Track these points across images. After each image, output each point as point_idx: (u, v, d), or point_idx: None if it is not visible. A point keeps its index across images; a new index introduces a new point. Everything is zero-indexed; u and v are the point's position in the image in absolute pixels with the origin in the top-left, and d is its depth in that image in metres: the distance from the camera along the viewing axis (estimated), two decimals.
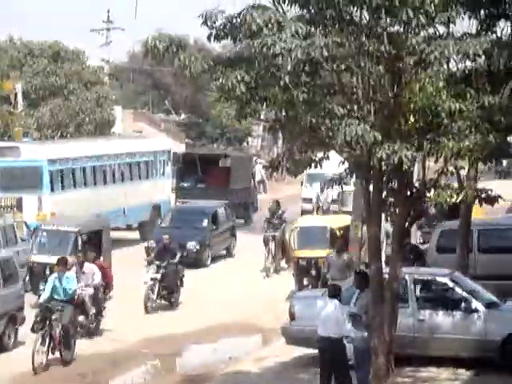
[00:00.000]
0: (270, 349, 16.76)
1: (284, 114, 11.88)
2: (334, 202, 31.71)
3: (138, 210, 28.80)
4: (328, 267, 18.35)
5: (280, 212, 24.56)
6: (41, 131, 38.03)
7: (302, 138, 12.26)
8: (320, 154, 12.59)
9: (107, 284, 18.41)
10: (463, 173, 16.64)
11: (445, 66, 11.25)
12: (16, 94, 37.10)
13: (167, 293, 19.99)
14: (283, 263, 24.19)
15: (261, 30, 10.73)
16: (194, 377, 15.31)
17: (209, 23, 11.24)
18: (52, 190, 25.51)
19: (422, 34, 11.18)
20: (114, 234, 27.00)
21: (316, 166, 12.68)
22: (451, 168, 12.41)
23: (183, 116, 59.79)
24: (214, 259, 25.93)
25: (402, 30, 11.20)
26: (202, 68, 11.38)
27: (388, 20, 11.08)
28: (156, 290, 19.68)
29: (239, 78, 11.03)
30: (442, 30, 11.56)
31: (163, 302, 20.05)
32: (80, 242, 20.18)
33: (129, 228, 29.89)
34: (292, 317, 15.10)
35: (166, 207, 30.20)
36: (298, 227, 22.00)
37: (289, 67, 10.75)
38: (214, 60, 11.63)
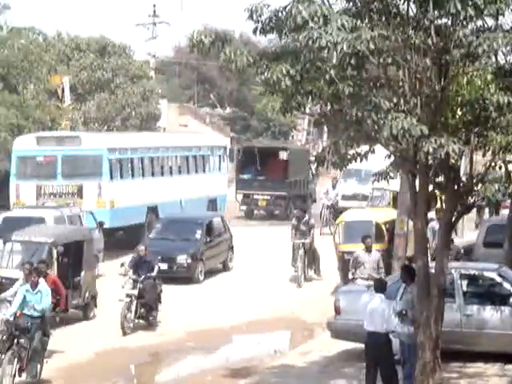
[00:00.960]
0: (316, 343, 16.74)
1: (329, 107, 11.84)
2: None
3: (195, 203, 29.26)
4: (356, 265, 17.82)
5: (306, 218, 22.74)
6: (87, 125, 38.33)
7: (347, 131, 12.21)
8: (365, 148, 12.53)
9: (58, 301, 15.48)
10: None
11: (493, 59, 11.12)
12: (63, 89, 37.48)
13: (145, 310, 17.55)
14: (312, 273, 22.51)
15: (306, 24, 10.68)
16: (239, 370, 15.34)
17: (254, 17, 11.22)
18: (111, 177, 26.07)
19: (469, 26, 11.06)
20: None
21: (361, 160, 12.62)
22: (499, 162, 12.25)
23: (228, 110, 59.88)
24: (209, 274, 22.76)
25: (449, 22, 11.09)
26: (248, 62, 11.37)
27: (435, 12, 10.98)
28: (133, 307, 17.27)
29: (284, 71, 11.00)
30: (490, 22, 11.44)
31: (141, 321, 17.65)
32: (55, 255, 17.48)
33: None
34: (337, 311, 15.06)
35: (222, 201, 31.32)
36: (343, 221, 21.92)
37: (334, 60, 10.71)
38: (259, 54, 11.62)
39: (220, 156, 32.43)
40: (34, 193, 25.69)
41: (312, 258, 22.24)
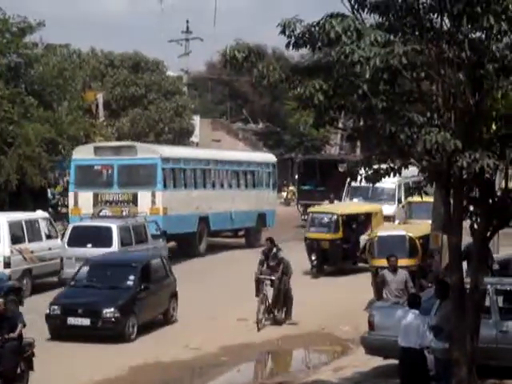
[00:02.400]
0: (349, 358, 16.65)
1: (362, 122, 11.81)
2: None
3: (245, 216, 30.63)
4: (383, 283, 17.08)
5: (275, 251, 19.31)
6: (121, 141, 38.60)
7: (380, 146, 12.16)
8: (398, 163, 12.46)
9: None
10: None
11: None
12: (97, 105, 37.82)
13: (3, 382, 13.75)
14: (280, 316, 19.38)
15: (339, 38, 10.68)
16: None
17: (287, 32, 11.25)
18: (165, 186, 27.21)
19: (504, 40, 10.99)
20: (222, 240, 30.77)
21: (395, 175, 12.56)
22: None
23: (261, 125, 59.99)
24: (145, 329, 18.40)
25: (483, 36, 11.04)
26: (280, 77, 11.39)
27: (469, 26, 10.93)
28: None
29: (317, 86, 11.00)
30: None
31: None
32: None
33: (235, 235, 32.29)
34: (371, 326, 14.98)
35: (271, 216, 32.96)
36: (376, 236, 21.82)
37: (367, 75, 10.67)
38: (291, 69, 11.64)
39: (270, 172, 33.78)
40: (91, 201, 27.09)
41: (282, 298, 19.07)
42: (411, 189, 12.99)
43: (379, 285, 17.61)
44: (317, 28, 10.99)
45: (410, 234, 21.40)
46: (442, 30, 11.09)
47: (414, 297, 13.08)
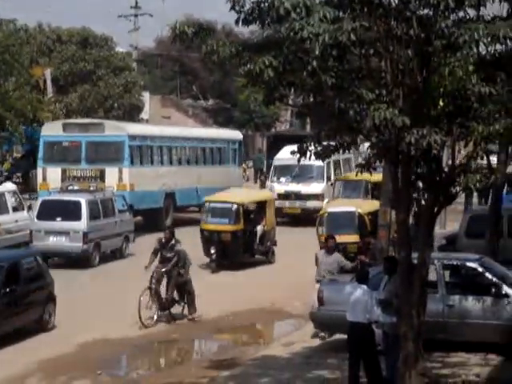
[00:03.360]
0: (299, 334, 16.78)
1: (312, 98, 11.84)
2: (279, 197, 29.36)
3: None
4: (316, 264, 17.02)
5: (173, 242, 17.88)
6: (69, 117, 38.23)
7: (330, 122, 12.21)
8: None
9: None
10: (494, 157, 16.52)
11: (474, 50, 11.11)
12: (45, 81, 37.35)
13: None
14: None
15: (289, 15, 10.67)
16: (221, 361, 15.36)
17: (237, 8, 11.21)
18: (132, 163, 28.03)
19: (451, 17, 11.08)
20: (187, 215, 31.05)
21: (344, 151, 12.64)
22: (481, 152, 12.30)
23: (211, 102, 59.80)
24: (14, 338, 15.88)
25: (431, 13, 11.11)
26: (230, 53, 11.36)
27: (417, 3, 10.99)
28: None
29: (267, 63, 10.99)
30: (472, 13, 11.45)
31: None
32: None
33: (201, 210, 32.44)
34: (321, 302, 15.11)
35: None
36: (326, 212, 21.96)
37: (317, 52, 10.68)
38: (241, 45, 11.60)
39: (235, 149, 34.63)
40: (59, 176, 27.68)
41: (182, 292, 17.78)
42: (360, 165, 13.02)
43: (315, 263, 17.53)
44: (266, 4, 10.97)
45: (360, 210, 21.58)
46: (390, 7, 11.13)
47: (363, 272, 13.21)
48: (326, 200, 29.55)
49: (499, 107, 11.16)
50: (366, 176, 26.61)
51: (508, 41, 10.93)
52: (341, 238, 20.16)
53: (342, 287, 14.55)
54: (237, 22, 11.34)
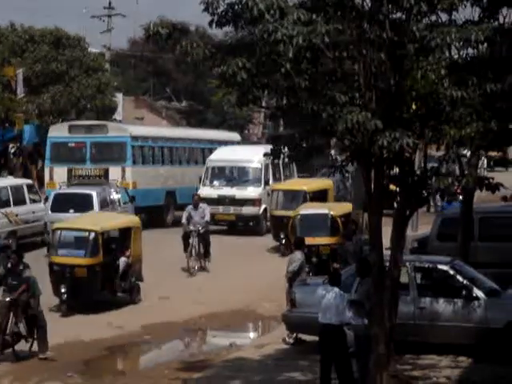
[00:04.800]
0: (271, 335, 16.78)
1: (285, 101, 11.86)
2: (211, 202, 26.52)
3: None
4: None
5: (21, 267, 15.33)
6: (42, 118, 37.98)
7: (303, 125, 12.24)
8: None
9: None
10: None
11: (447, 54, 11.22)
12: (17, 81, 37.06)
13: None
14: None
15: (262, 17, 10.70)
16: (194, 363, 15.33)
17: (210, 9, 11.21)
18: (134, 162, 29.42)
19: (423, 21, 11.15)
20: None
21: (317, 154, 12.68)
22: (453, 155, 12.38)
23: (184, 103, 59.68)
24: None
25: (403, 16, 11.18)
26: (204, 54, 11.36)
27: (390, 7, 11.05)
28: None
29: (240, 64, 11.00)
30: (444, 17, 11.54)
31: None
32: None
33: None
34: (293, 304, 15.12)
35: None
36: (298, 214, 22.00)
37: (290, 54, 10.72)
38: (215, 47, 11.60)
39: None
40: (65, 175, 28.95)
41: (31, 326, 15.20)
42: (330, 169, 13.07)
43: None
44: (240, 6, 10.98)
45: (332, 213, 21.64)
46: (363, 10, 11.18)
47: (335, 274, 13.24)
48: (263, 206, 28.31)
49: (471, 111, 11.25)
50: (304, 185, 26.50)
51: (479, 45, 11.03)
52: (314, 240, 20.23)
53: (314, 289, 14.58)
54: (210, 24, 11.36)
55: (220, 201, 28.73)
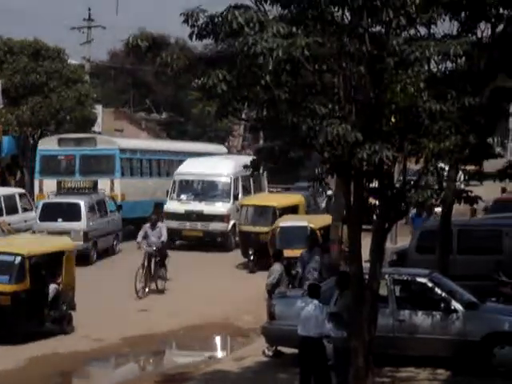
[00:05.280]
0: (250, 348, 16.75)
1: (265, 113, 11.88)
2: (173, 217, 26.86)
3: None
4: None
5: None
6: (21, 129, 37.80)
7: (283, 137, 12.26)
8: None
9: None
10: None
11: (426, 67, 11.28)
12: None
13: None
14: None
15: (242, 29, 10.72)
16: (173, 376, 15.27)
17: (190, 22, 11.22)
18: (122, 174, 29.95)
19: (403, 34, 11.21)
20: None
21: (298, 166, 12.69)
22: (431, 168, 12.43)
23: (164, 115, 59.64)
24: None
25: (383, 30, 11.23)
26: (184, 66, 11.36)
27: (369, 20, 11.11)
28: None
29: (220, 76, 11.02)
30: (423, 31, 11.61)
31: None
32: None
33: None
34: (272, 316, 15.10)
35: None
36: (278, 227, 22.01)
37: (270, 67, 10.74)
38: (195, 59, 11.61)
39: None
40: (54, 187, 29.20)
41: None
42: (312, 179, 13.06)
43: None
44: (220, 19, 11.00)
45: (312, 225, 21.66)
46: (343, 24, 11.23)
47: (314, 287, 13.24)
48: (231, 222, 27.35)
49: (449, 124, 11.31)
50: (273, 201, 26.02)
51: (458, 58, 11.10)
52: (293, 253, 20.22)
53: (294, 302, 14.58)
54: (190, 36, 11.36)
55: (187, 216, 27.65)
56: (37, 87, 39.08)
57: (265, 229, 23.72)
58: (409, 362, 14.32)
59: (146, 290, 20.85)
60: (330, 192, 31.34)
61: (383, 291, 13.95)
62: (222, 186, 28.62)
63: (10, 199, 26.32)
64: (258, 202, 26.10)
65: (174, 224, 27.11)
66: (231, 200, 28.11)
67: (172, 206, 28.08)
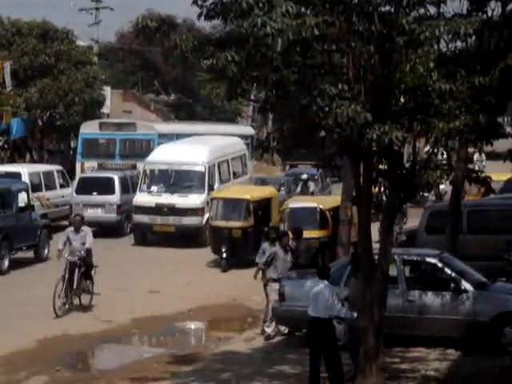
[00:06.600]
0: (260, 329, 16.77)
1: (275, 94, 11.84)
2: (144, 211, 24.86)
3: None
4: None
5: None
6: (30, 111, 37.81)
7: (292, 118, 12.23)
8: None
9: None
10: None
11: (435, 47, 11.22)
12: (4, 74, 36.86)
13: None
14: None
15: (251, 10, 10.66)
16: (183, 356, 15.32)
17: (199, 2, 11.18)
18: None
19: (412, 14, 11.15)
20: None
21: (307, 148, 12.66)
22: (441, 148, 12.39)
23: (173, 96, 59.57)
24: None
25: (392, 9, 11.17)
26: (193, 47, 11.33)
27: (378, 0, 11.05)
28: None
29: (229, 58, 10.97)
30: (432, 10, 11.54)
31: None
32: None
33: None
34: (282, 297, 15.13)
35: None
36: (288, 208, 22.00)
37: (279, 47, 10.70)
38: (204, 39, 11.58)
39: (248, 144, 34.19)
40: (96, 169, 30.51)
41: None
42: (321, 163, 12.98)
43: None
44: None
45: (321, 206, 21.66)
46: (352, 3, 11.17)
47: (324, 268, 13.25)
48: (206, 215, 24.41)
49: (459, 104, 11.26)
50: (246, 194, 24.31)
51: (468, 38, 11.04)
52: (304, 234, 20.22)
53: (304, 283, 14.60)
54: (199, 16, 11.32)
55: (158, 210, 25.24)
56: (45, 69, 39.06)
57: (238, 224, 22.38)
58: (419, 342, 14.34)
59: (66, 306, 17.55)
60: (304, 176, 31.08)
61: (393, 272, 13.96)
62: (195, 175, 26.14)
63: (48, 176, 27.77)
64: (230, 195, 23.56)
65: (144, 218, 25.26)
66: (206, 191, 25.65)
67: (141, 198, 25.59)
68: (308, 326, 12.85)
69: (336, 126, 11.18)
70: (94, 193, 27.03)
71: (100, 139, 32.81)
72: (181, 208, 25.18)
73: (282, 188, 30.86)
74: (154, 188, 25.88)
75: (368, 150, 11.64)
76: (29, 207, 23.06)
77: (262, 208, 23.02)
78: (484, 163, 33.81)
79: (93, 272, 18.18)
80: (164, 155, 26.86)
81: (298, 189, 30.91)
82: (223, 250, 22.14)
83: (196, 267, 22.52)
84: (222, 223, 22.61)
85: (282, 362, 14.19)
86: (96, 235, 23.12)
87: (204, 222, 25.07)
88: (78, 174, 30.57)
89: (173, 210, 25.21)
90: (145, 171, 26.45)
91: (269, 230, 18.24)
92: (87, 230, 18.32)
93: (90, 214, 25.64)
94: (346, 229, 19.38)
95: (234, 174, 28.78)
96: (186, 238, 24.88)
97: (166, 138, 31.58)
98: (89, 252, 18.06)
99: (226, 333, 17.48)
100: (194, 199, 25.48)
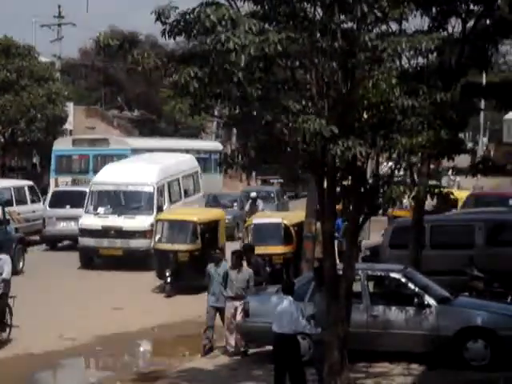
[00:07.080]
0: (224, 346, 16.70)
1: (238, 110, 11.86)
2: (90, 234, 24.02)
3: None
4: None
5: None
6: None
7: (257, 134, 12.24)
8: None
9: None
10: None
11: (397, 63, 11.34)
12: None
13: None
14: None
15: (215, 27, 10.69)
16: (147, 374, 15.21)
17: (162, 19, 11.17)
18: None
19: (374, 30, 11.24)
20: None
21: (272, 164, 12.68)
22: (404, 164, 12.48)
23: (136, 112, 59.43)
24: None
25: (355, 26, 11.25)
26: (155, 64, 11.32)
27: (341, 16, 11.12)
28: None
29: (192, 74, 10.99)
30: (394, 27, 11.65)
31: None
32: None
33: None
34: (246, 313, 15.09)
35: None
36: (252, 224, 21.99)
37: (242, 63, 10.72)
38: (167, 56, 11.58)
39: (216, 159, 36.41)
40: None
41: None
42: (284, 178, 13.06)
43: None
44: (192, 16, 10.96)
45: (285, 222, 21.68)
46: (315, 20, 11.23)
47: (288, 283, 13.24)
48: (155, 237, 22.36)
49: (421, 120, 11.36)
50: (193, 215, 22.74)
51: (429, 54, 11.15)
52: (267, 249, 20.23)
53: (268, 298, 14.58)
54: (162, 33, 11.32)
55: (105, 232, 24.42)
56: (7, 85, 38.81)
57: (184, 247, 21.31)
58: (383, 357, 14.37)
59: None
60: (253, 194, 31.44)
61: (357, 287, 13.98)
62: (144, 196, 25.24)
63: (19, 191, 28.27)
64: (175, 217, 22.62)
65: (91, 242, 24.32)
66: (154, 213, 24.52)
67: (88, 220, 24.65)
68: (273, 342, 12.82)
69: (302, 141, 11.20)
70: (67, 206, 27.54)
71: (73, 155, 33.52)
72: (128, 230, 24.32)
73: (235, 204, 31.88)
74: (100, 209, 25.02)
75: (332, 165, 11.68)
76: (4, 221, 23.51)
77: (210, 230, 21.98)
78: (458, 179, 34.06)
79: (11, 303, 16.43)
80: (111, 175, 25.95)
81: (247, 207, 30.78)
82: (168, 274, 21.09)
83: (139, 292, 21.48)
84: (167, 246, 21.56)
85: (247, 378, 14.13)
86: (70, 248, 24.07)
87: (152, 245, 23.18)
88: (52, 189, 30.89)
89: (120, 233, 24.32)
90: (91, 192, 25.50)
91: (214, 252, 17.74)
92: (5, 259, 16.47)
93: (63, 227, 26.85)
94: (311, 244, 19.40)
95: (186, 192, 27.97)
96: (134, 262, 23.83)
97: (139, 152, 31.72)
98: (6, 283, 16.15)
99: (190, 349, 17.38)
100: (142, 221, 24.52)
